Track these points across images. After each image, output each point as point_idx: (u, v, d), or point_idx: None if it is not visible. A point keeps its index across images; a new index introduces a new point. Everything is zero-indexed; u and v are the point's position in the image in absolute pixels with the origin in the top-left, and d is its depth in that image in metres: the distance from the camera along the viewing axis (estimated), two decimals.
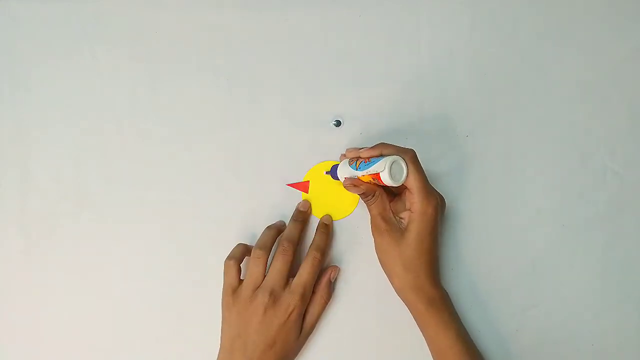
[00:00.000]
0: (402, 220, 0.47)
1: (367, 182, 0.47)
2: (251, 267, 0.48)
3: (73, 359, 0.52)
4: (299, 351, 0.49)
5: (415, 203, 0.46)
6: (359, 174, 0.46)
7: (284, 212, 0.52)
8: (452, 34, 0.54)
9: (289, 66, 0.54)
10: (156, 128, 0.53)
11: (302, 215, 0.51)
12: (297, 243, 0.49)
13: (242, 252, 0.49)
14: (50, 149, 0.53)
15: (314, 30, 0.54)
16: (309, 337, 0.50)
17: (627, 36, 0.54)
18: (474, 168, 0.53)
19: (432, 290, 0.47)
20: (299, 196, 0.52)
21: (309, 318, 0.49)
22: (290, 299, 0.46)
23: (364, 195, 0.48)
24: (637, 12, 0.54)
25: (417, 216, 0.46)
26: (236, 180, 0.53)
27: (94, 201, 0.53)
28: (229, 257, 0.49)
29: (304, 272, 0.48)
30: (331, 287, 0.51)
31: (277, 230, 0.50)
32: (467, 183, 0.52)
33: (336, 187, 0.52)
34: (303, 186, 0.52)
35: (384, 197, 0.48)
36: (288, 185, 0.52)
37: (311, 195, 0.52)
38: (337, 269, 0.51)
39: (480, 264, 0.52)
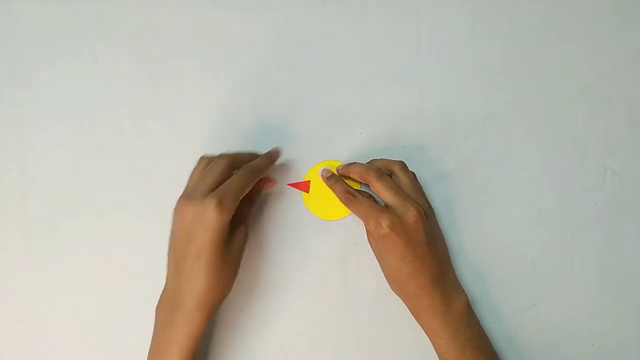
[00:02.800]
0: None
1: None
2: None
3: (73, 359, 0.52)
4: (234, 275, 0.45)
5: None
6: None
7: (285, 211, 0.52)
8: (452, 34, 0.54)
9: (289, 66, 0.54)
10: (156, 128, 0.53)
11: (267, 158, 0.49)
12: (236, 162, 0.46)
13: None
14: (50, 148, 0.53)
15: (314, 30, 0.54)
16: (299, 329, 0.50)
17: (627, 36, 0.54)
18: (474, 168, 0.53)
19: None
20: (299, 196, 0.52)
21: (237, 237, 0.45)
22: (207, 204, 0.42)
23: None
24: (638, 13, 0.54)
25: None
26: None
27: (94, 201, 0.53)
28: (204, 155, 0.47)
29: (228, 181, 0.44)
30: (256, 204, 0.50)
31: (254, 154, 0.49)
32: (467, 183, 0.52)
33: None
34: (303, 186, 0.52)
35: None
36: (288, 185, 0.52)
37: (312, 195, 0.52)
38: (274, 183, 0.50)
39: (480, 264, 0.52)
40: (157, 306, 0.45)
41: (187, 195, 0.44)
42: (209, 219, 0.42)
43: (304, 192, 0.52)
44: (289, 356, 0.51)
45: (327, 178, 0.50)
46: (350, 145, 0.53)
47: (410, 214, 0.45)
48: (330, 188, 0.50)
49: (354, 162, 0.50)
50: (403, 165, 0.49)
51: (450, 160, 0.53)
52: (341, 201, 0.49)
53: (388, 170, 0.49)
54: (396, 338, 0.50)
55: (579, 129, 0.53)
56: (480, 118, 0.53)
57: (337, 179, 0.50)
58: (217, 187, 0.43)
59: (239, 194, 0.44)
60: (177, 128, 0.53)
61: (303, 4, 0.54)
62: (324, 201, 0.52)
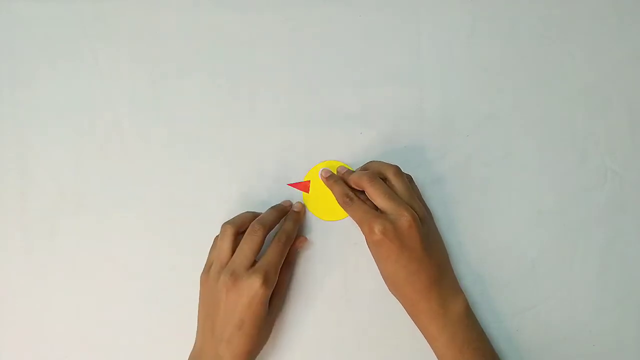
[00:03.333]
0: None
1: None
2: (240, 244, 0.47)
3: (73, 359, 0.52)
4: (271, 329, 0.48)
5: None
6: None
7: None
8: (452, 34, 0.54)
9: (289, 66, 0.54)
10: (156, 128, 0.53)
11: (296, 216, 0.51)
12: (269, 229, 0.48)
13: (244, 220, 0.48)
14: (50, 148, 0.53)
15: (314, 30, 0.54)
16: (300, 337, 0.50)
17: (627, 36, 0.54)
18: (474, 168, 0.53)
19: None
20: (299, 196, 0.52)
21: (276, 298, 0.48)
22: (253, 280, 0.44)
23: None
24: (638, 13, 0.54)
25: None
26: (236, 180, 0.53)
27: (94, 201, 0.53)
28: (228, 222, 0.48)
29: (268, 253, 0.47)
30: (293, 264, 0.51)
31: (281, 210, 0.50)
32: (467, 183, 0.52)
33: None
34: (303, 186, 0.52)
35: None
36: (288, 185, 0.52)
37: (311, 195, 0.52)
38: (305, 240, 0.51)
39: (480, 264, 0.51)
40: None
41: (232, 272, 0.45)
42: (254, 293, 0.44)
43: (304, 192, 0.52)
44: (290, 356, 0.51)
45: (327, 178, 0.50)
46: (350, 145, 0.53)
47: (404, 219, 0.45)
48: (329, 188, 0.50)
49: (351, 171, 0.50)
50: (397, 170, 0.48)
51: (451, 160, 0.53)
52: (339, 203, 0.49)
53: (382, 175, 0.48)
54: (396, 338, 0.50)
55: (579, 129, 0.53)
56: (480, 118, 0.53)
57: (336, 180, 0.50)
58: (254, 258, 0.46)
59: (279, 266, 0.47)
60: (176, 128, 0.53)
61: (303, 4, 0.54)
62: (324, 201, 0.52)
